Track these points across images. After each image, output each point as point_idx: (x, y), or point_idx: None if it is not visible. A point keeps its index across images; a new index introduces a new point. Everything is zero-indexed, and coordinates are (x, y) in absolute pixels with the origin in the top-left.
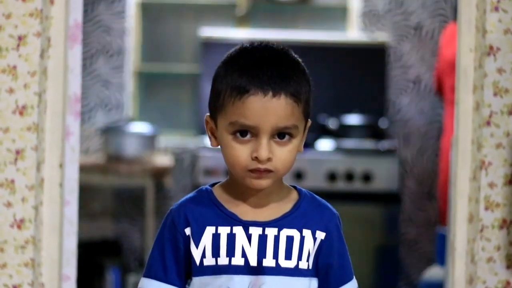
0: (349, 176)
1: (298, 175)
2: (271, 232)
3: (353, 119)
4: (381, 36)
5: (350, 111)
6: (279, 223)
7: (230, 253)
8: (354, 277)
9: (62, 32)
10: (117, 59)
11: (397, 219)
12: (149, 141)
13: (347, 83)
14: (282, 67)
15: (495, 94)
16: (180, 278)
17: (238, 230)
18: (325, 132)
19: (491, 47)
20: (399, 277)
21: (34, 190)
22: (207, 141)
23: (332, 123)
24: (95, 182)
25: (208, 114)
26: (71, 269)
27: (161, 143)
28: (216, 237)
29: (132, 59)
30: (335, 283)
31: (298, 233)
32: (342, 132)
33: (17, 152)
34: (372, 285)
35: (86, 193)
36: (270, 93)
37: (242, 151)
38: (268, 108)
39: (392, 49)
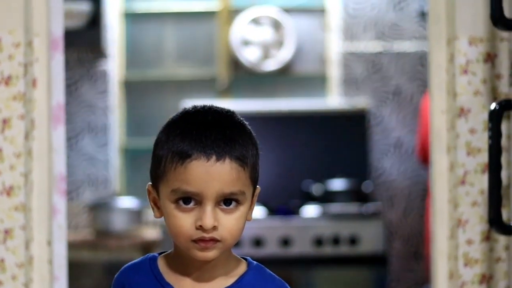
0: (335, 241)
1: (285, 242)
2: None
3: (337, 184)
4: (361, 101)
5: (333, 176)
6: None
7: None
8: None
9: (45, 113)
10: (102, 136)
11: (385, 281)
12: (137, 215)
13: (329, 149)
14: (227, 130)
15: (468, 154)
16: None
17: None
18: (309, 198)
19: (462, 109)
20: None
21: (23, 268)
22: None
23: (316, 189)
24: (85, 258)
25: (150, 183)
26: None
27: (148, 217)
28: None
29: (116, 135)
30: None
31: None
32: (327, 197)
33: (6, 232)
34: None
35: (76, 269)
36: (214, 157)
37: (185, 220)
38: (212, 173)
39: (373, 114)
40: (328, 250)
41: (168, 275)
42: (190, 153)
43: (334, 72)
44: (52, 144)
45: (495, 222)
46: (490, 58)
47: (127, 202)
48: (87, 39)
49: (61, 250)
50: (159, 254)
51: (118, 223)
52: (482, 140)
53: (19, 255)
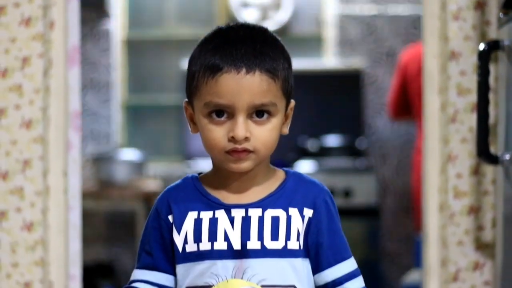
0: (331, 192)
1: None
2: (254, 213)
3: (332, 140)
4: (355, 62)
5: (328, 132)
6: (263, 203)
7: (212, 237)
8: (351, 257)
9: (62, 54)
10: (104, 92)
11: (377, 234)
12: (138, 167)
13: (325, 107)
14: (257, 45)
15: (458, 94)
16: (169, 264)
17: (220, 214)
18: (305, 153)
19: (453, 53)
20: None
21: (41, 196)
22: (194, 165)
23: (311, 145)
24: (88, 208)
25: (186, 100)
26: (76, 269)
27: (149, 170)
28: (198, 223)
29: (119, 92)
30: (327, 263)
31: (284, 213)
32: (322, 152)
33: (25, 162)
34: None
35: None
36: (244, 70)
37: (218, 132)
38: (242, 85)
39: (367, 74)
40: None
41: (211, 189)
42: (221, 67)
43: (330, 34)
44: (68, 83)
45: (483, 153)
46: (480, 5)
47: (129, 154)
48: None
49: (76, 181)
50: (199, 173)
51: (120, 174)
52: (471, 81)
53: (37, 184)
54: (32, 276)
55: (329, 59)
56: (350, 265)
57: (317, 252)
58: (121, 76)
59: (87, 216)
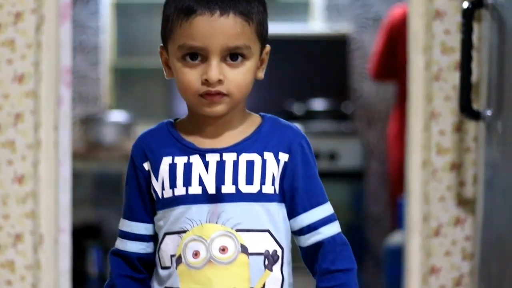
0: (316, 156)
1: None
2: (229, 157)
3: (318, 104)
4: (342, 27)
5: (315, 96)
6: (238, 148)
7: (187, 182)
8: (327, 202)
9: (54, 10)
10: (93, 55)
11: (361, 197)
12: (126, 129)
13: (311, 71)
14: None
15: (442, 53)
16: (147, 213)
17: (195, 159)
18: (291, 116)
19: (437, 12)
20: (364, 252)
21: (32, 150)
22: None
23: (297, 108)
24: (76, 169)
25: (161, 45)
26: (66, 222)
27: (137, 132)
28: (172, 168)
29: (107, 55)
30: (302, 208)
31: (259, 157)
32: (308, 116)
33: (17, 116)
34: None
35: None
36: (218, 12)
37: (192, 75)
38: (216, 27)
39: (353, 39)
40: None
41: (186, 134)
42: (194, 9)
43: None
44: (59, 38)
45: (465, 108)
46: None
47: (117, 116)
48: None
49: (66, 136)
50: (174, 120)
51: (108, 136)
52: (455, 40)
53: (28, 138)
54: (22, 228)
55: (316, 24)
56: (325, 210)
57: (293, 197)
58: (109, 39)
59: (75, 177)
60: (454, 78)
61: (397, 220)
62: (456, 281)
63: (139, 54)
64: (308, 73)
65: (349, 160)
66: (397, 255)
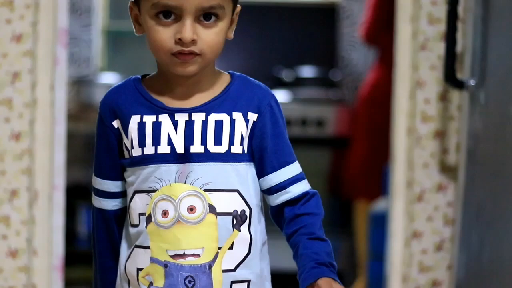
0: (303, 123)
1: None
2: (198, 117)
3: (307, 71)
4: None
5: (303, 63)
6: (206, 107)
7: (156, 142)
8: (295, 161)
9: None
10: (86, 17)
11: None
12: None
13: (300, 38)
14: None
15: (429, 23)
16: (115, 170)
17: (164, 118)
18: (280, 83)
19: None
20: (349, 218)
21: (29, 108)
22: None
23: (286, 75)
24: (68, 130)
25: (132, 0)
26: (61, 180)
27: None
28: (141, 126)
29: (100, 17)
30: (271, 167)
31: (228, 117)
32: (296, 83)
33: (14, 75)
34: (324, 227)
35: None
36: None
37: (165, 34)
38: None
39: (342, 8)
40: (296, 131)
41: (154, 93)
42: None
43: None
44: (57, 0)
45: (449, 78)
46: None
47: (109, 78)
48: None
49: (62, 95)
50: (142, 76)
51: (100, 97)
52: (442, 11)
53: (25, 96)
54: (19, 184)
55: None
56: (294, 169)
57: (261, 157)
58: (102, 1)
59: (67, 138)
60: (440, 48)
61: (381, 187)
62: (438, 246)
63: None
64: (297, 40)
65: (336, 127)
66: (381, 221)
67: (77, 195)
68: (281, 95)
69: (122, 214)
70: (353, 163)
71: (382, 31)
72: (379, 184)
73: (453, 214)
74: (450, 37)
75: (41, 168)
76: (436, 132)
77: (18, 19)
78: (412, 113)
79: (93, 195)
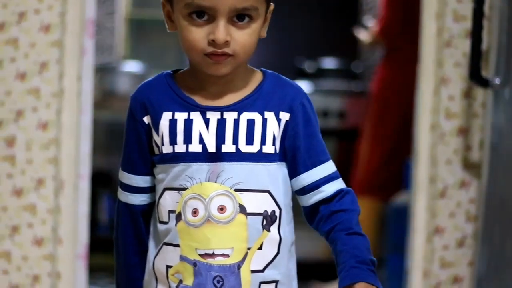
0: (325, 114)
1: None
2: (230, 116)
3: (329, 62)
4: None
5: (325, 55)
6: (239, 106)
7: (187, 140)
8: (329, 160)
9: None
10: (109, 5)
11: None
12: (140, 79)
13: (323, 30)
14: None
15: (454, 20)
16: (145, 166)
17: (196, 116)
18: (302, 74)
19: None
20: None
21: (56, 97)
22: None
23: (308, 66)
24: None
25: None
26: (86, 169)
27: None
28: (172, 124)
29: (123, 5)
30: (303, 167)
31: (260, 116)
32: (318, 74)
33: (42, 64)
34: None
35: None
36: None
37: (198, 34)
38: None
39: (365, 0)
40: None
41: (186, 90)
42: None
43: None
44: None
45: (474, 75)
46: None
47: (132, 66)
48: None
49: (88, 86)
50: (173, 71)
51: (123, 85)
52: (467, 8)
53: (53, 86)
54: (45, 173)
55: None
56: (327, 168)
57: (294, 156)
58: None
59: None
60: (465, 45)
61: (403, 181)
62: (459, 242)
63: (154, 5)
64: (319, 31)
65: (358, 119)
66: (401, 215)
67: (98, 182)
68: (303, 86)
69: (149, 209)
70: (360, 160)
71: (398, 30)
72: (382, 183)
73: (475, 211)
74: (475, 35)
75: (67, 157)
76: (460, 129)
77: (47, 9)
78: (436, 109)
79: (120, 190)
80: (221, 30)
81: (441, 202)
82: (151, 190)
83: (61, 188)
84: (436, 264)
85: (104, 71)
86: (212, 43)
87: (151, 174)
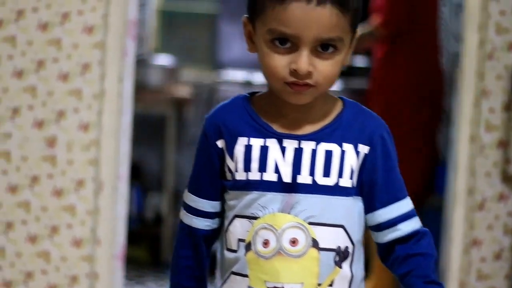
0: None
1: None
2: (307, 146)
3: (359, 61)
4: None
5: (356, 53)
6: (317, 136)
7: (262, 167)
8: (407, 197)
9: None
10: None
11: None
12: (171, 73)
13: None
14: None
15: (497, 33)
16: (214, 190)
17: (272, 143)
18: None
19: None
20: None
21: (98, 99)
22: (224, 75)
23: None
24: None
25: (246, 15)
26: (124, 169)
27: (181, 76)
28: (248, 150)
29: None
30: (380, 203)
31: (338, 148)
32: (349, 72)
33: (84, 66)
34: None
35: None
36: (315, 1)
37: (279, 62)
38: (311, 16)
39: None
40: None
41: (263, 114)
42: None
43: None
44: None
45: None
46: None
47: (163, 59)
48: None
49: (129, 87)
50: (250, 94)
51: (153, 78)
52: (510, 20)
53: (94, 87)
54: (85, 174)
55: None
56: (404, 205)
57: (371, 191)
58: None
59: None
60: (507, 58)
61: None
62: (497, 254)
63: None
64: None
65: None
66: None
67: None
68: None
69: (212, 235)
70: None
71: (404, 18)
72: None
73: None
74: None
75: (107, 158)
76: (500, 142)
77: (90, 11)
78: (476, 121)
79: (183, 211)
80: (304, 60)
81: (479, 214)
82: (216, 215)
83: (100, 189)
84: (473, 276)
85: (136, 63)
86: (294, 72)
87: (219, 199)
